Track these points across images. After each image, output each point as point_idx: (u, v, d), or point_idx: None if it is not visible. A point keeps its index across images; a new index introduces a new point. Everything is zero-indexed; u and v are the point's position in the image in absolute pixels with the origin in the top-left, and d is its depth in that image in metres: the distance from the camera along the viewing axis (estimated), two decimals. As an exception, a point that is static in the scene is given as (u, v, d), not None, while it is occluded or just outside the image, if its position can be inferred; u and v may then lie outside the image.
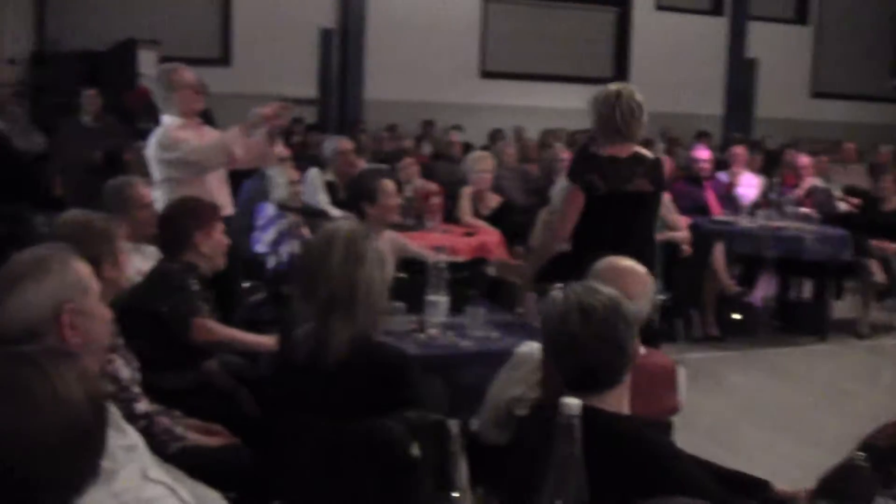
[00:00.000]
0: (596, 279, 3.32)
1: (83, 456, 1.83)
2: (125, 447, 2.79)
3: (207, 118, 6.85)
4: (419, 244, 6.55)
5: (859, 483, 2.51)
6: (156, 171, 5.93)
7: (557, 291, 2.79)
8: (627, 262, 3.56)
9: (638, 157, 5.33)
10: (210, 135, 6.11)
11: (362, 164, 8.64)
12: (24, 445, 1.72)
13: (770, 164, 12.58)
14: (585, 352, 2.67)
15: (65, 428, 1.76)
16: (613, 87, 5.34)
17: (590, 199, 5.21)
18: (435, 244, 6.38)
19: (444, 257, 4.94)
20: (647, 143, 12.82)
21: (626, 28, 18.04)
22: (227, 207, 6.01)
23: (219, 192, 5.94)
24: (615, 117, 5.21)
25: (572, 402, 2.15)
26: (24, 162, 4.61)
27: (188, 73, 6.05)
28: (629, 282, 3.40)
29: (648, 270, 3.64)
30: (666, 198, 8.38)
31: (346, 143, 8.17)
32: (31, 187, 4.79)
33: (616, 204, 5.22)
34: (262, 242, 6.80)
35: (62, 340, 2.49)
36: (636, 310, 2.86)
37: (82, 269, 2.62)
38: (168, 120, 5.95)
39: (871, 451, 2.59)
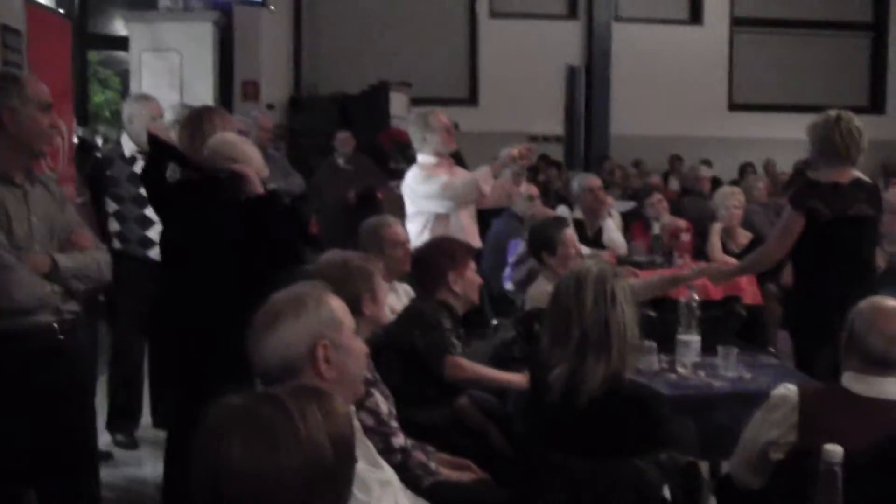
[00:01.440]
0: (860, 321, 3.22)
1: (326, 494, 1.86)
2: (381, 481, 2.88)
3: (457, 158, 7.04)
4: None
5: None
6: (410, 205, 6.19)
7: None
8: (893, 304, 3.41)
9: (859, 183, 5.32)
10: (461, 173, 6.32)
11: (611, 202, 8.59)
12: (266, 484, 1.77)
13: None
14: None
15: (307, 467, 1.80)
16: (832, 112, 5.35)
17: (812, 225, 5.21)
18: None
19: (695, 295, 4.86)
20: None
21: (881, 53, 17.27)
22: (476, 242, 6.20)
23: (468, 227, 6.16)
24: (835, 141, 5.23)
25: (835, 449, 2.09)
26: (284, 203, 4.89)
27: (444, 116, 6.33)
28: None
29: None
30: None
31: (594, 181, 8.15)
32: (293, 227, 4.99)
33: (839, 229, 5.21)
34: (512, 280, 6.88)
35: (318, 375, 2.58)
36: None
37: (337, 305, 2.72)
38: (423, 158, 6.22)
39: None
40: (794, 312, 5.53)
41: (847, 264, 5.15)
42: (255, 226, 4.36)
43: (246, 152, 4.50)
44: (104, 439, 6.04)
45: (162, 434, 5.51)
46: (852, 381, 3.21)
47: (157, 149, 4.75)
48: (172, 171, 4.71)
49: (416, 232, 5.93)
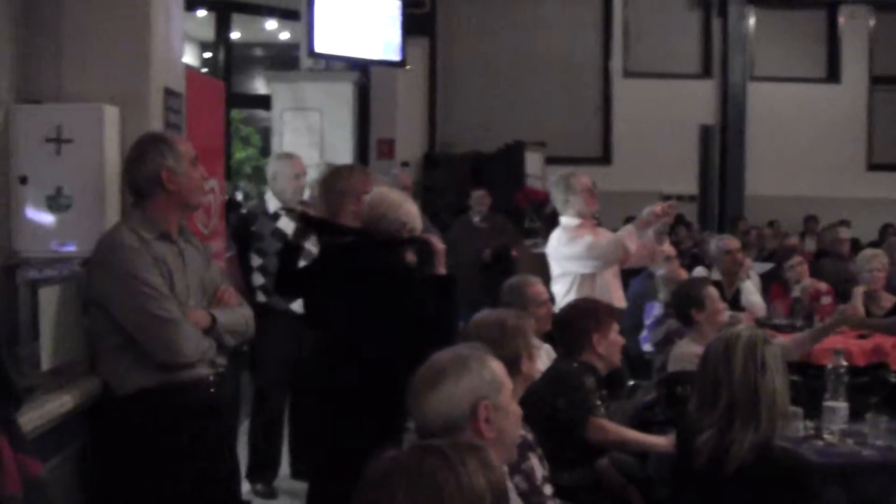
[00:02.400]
0: None
1: None
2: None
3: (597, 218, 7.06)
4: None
5: None
6: (556, 267, 6.23)
7: None
8: None
9: None
10: (605, 234, 6.34)
11: (749, 263, 8.48)
12: None
13: None
14: None
15: None
16: None
17: None
18: (828, 347, 6.17)
19: (842, 361, 4.77)
20: None
21: None
22: (621, 301, 6.21)
23: (613, 287, 6.18)
24: None
25: None
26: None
27: (585, 178, 6.39)
28: None
29: None
30: None
31: (732, 242, 8.05)
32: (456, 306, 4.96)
33: None
34: (650, 342, 6.86)
35: (478, 435, 2.62)
36: None
37: (498, 367, 2.77)
38: (566, 220, 6.27)
39: None
40: None
41: None
42: (427, 304, 4.39)
43: (411, 212, 4.55)
44: (243, 488, 6.17)
45: (300, 485, 5.60)
46: None
47: (304, 228, 4.84)
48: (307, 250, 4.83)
49: (562, 293, 5.98)
